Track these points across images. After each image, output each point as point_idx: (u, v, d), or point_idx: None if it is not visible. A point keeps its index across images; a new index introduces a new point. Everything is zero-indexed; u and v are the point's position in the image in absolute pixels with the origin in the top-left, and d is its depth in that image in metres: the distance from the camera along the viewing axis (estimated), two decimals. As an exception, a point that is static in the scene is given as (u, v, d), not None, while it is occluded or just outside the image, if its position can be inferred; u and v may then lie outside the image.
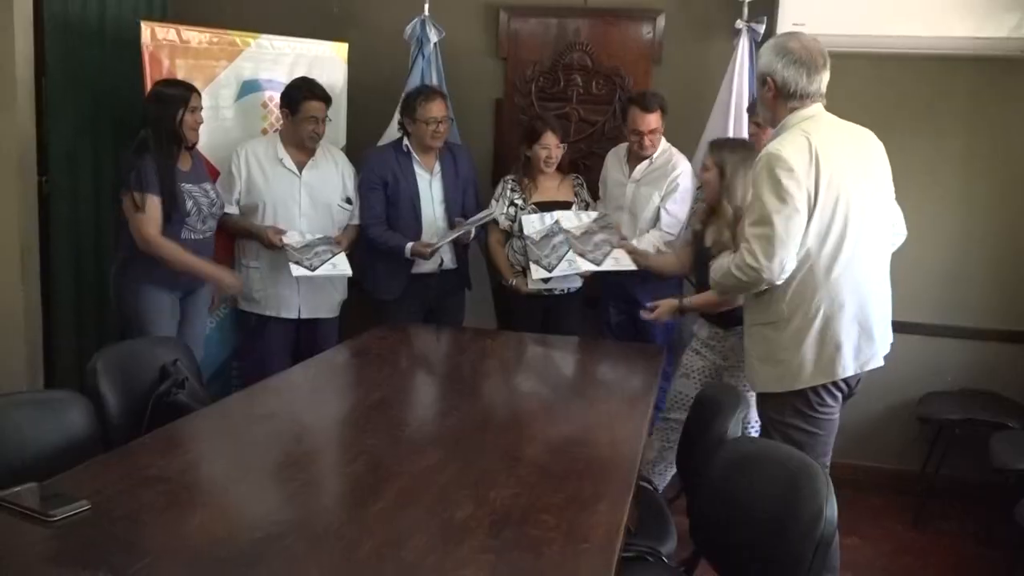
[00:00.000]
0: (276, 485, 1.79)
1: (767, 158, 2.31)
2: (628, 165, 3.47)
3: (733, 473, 1.92)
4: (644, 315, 3.04)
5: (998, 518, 2.88)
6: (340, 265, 3.36)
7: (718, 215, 2.87)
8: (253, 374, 3.19)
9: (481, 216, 3.44)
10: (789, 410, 2.40)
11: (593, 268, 3.26)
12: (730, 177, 2.82)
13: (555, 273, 3.30)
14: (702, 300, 2.90)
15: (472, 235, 3.48)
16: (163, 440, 1.97)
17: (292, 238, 3.33)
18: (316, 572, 1.39)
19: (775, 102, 2.41)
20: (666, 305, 3.00)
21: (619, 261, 3.25)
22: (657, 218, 3.41)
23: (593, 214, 3.43)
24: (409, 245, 3.40)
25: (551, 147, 3.45)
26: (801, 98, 2.37)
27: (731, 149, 2.89)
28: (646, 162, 3.43)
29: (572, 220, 3.37)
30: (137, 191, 2.96)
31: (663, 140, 3.44)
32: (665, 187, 3.39)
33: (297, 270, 3.25)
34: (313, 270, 3.28)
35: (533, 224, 3.40)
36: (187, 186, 3.10)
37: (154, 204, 2.99)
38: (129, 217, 3.00)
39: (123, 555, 1.41)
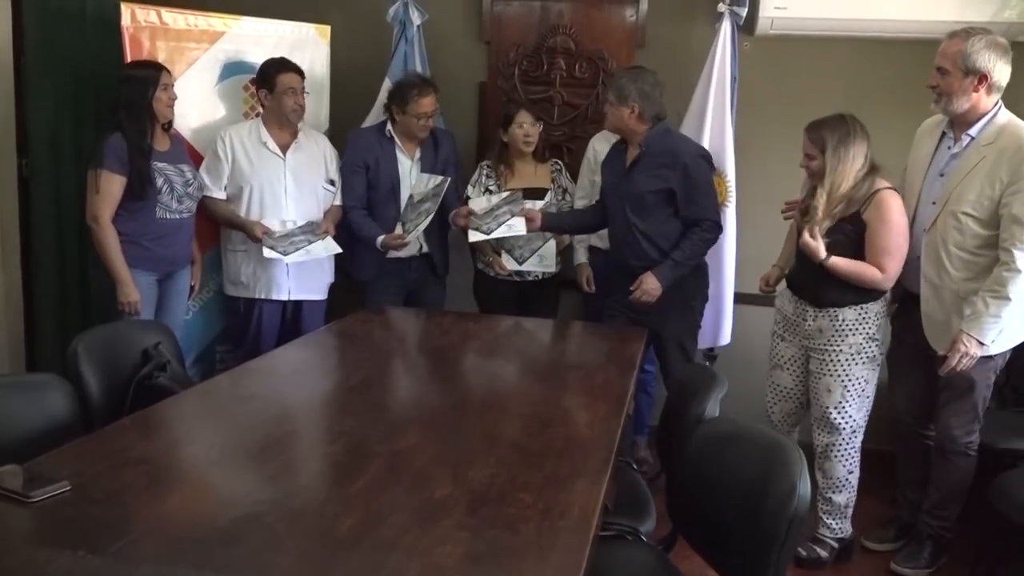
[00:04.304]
0: (256, 465, 1.80)
1: None
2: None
3: (710, 452, 1.94)
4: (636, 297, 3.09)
5: (975, 496, 2.93)
6: (315, 251, 3.37)
7: (816, 196, 2.80)
8: (248, 358, 3.18)
9: (431, 187, 3.43)
10: (990, 373, 2.75)
11: (483, 237, 3.35)
12: (830, 155, 2.77)
13: (492, 236, 3.38)
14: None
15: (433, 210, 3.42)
16: (144, 422, 1.98)
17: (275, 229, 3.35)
18: (295, 549, 1.41)
19: (980, 95, 2.59)
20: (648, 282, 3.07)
21: (512, 227, 3.33)
22: None
23: (504, 194, 3.46)
24: (380, 238, 3.41)
25: (526, 124, 3.45)
26: (1000, 92, 2.60)
27: (830, 128, 2.79)
28: None
29: (481, 204, 3.44)
30: (95, 169, 2.96)
31: None
32: None
33: (270, 253, 3.29)
34: (286, 255, 3.31)
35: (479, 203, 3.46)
36: (160, 164, 3.10)
37: (112, 183, 2.99)
38: (88, 195, 3.00)
39: (103, 535, 1.42)
